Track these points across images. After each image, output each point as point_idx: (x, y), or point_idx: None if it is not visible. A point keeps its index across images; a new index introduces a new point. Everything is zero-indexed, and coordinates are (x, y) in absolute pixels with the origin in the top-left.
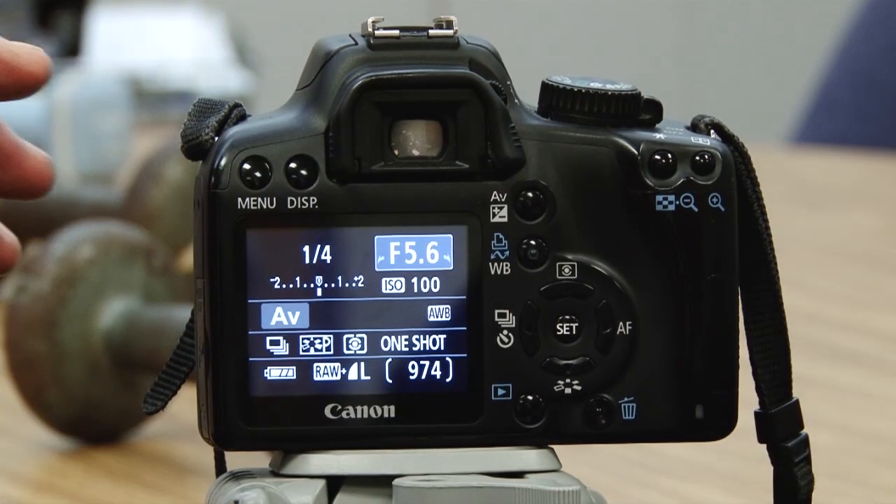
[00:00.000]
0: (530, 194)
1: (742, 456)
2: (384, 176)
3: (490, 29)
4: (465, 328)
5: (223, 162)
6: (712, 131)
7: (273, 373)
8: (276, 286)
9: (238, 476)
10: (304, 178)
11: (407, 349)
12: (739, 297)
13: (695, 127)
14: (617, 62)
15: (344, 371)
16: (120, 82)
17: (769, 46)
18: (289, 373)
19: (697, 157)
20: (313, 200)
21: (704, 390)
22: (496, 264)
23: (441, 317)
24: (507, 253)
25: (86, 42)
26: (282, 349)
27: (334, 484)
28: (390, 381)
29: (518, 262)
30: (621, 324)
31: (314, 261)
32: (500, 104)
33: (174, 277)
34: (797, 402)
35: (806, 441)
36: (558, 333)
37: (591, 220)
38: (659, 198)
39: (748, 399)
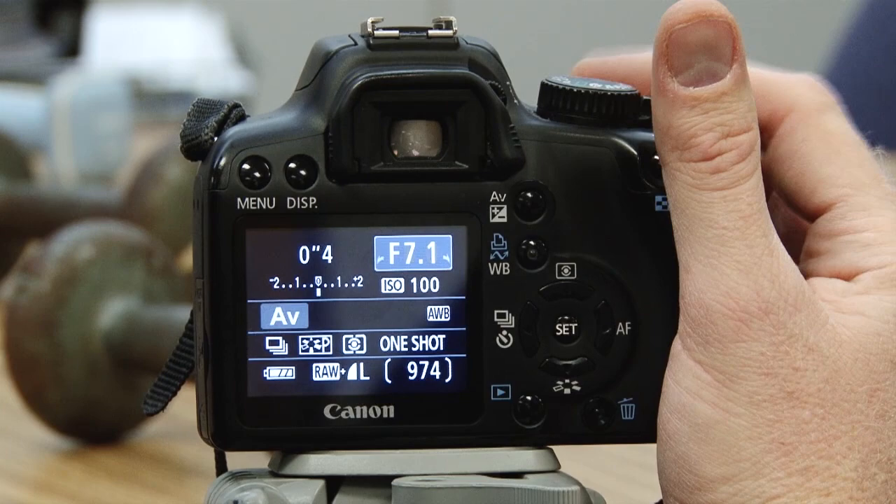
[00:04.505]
0: (530, 195)
1: None
2: (384, 176)
3: (490, 29)
4: (464, 328)
5: (222, 162)
6: None
7: (272, 373)
8: (276, 286)
9: (237, 476)
10: (304, 178)
11: (406, 349)
12: None
13: None
14: None
15: (343, 371)
16: (120, 82)
17: (769, 47)
18: (288, 373)
19: None
20: (313, 200)
21: None
22: (495, 265)
23: (440, 317)
24: (506, 253)
25: (86, 42)
26: (281, 349)
27: (333, 484)
28: (389, 382)
29: (517, 263)
30: (621, 324)
31: (313, 261)
32: (499, 104)
33: (174, 277)
34: None
35: None
36: (558, 334)
37: (590, 221)
38: (658, 198)
39: None
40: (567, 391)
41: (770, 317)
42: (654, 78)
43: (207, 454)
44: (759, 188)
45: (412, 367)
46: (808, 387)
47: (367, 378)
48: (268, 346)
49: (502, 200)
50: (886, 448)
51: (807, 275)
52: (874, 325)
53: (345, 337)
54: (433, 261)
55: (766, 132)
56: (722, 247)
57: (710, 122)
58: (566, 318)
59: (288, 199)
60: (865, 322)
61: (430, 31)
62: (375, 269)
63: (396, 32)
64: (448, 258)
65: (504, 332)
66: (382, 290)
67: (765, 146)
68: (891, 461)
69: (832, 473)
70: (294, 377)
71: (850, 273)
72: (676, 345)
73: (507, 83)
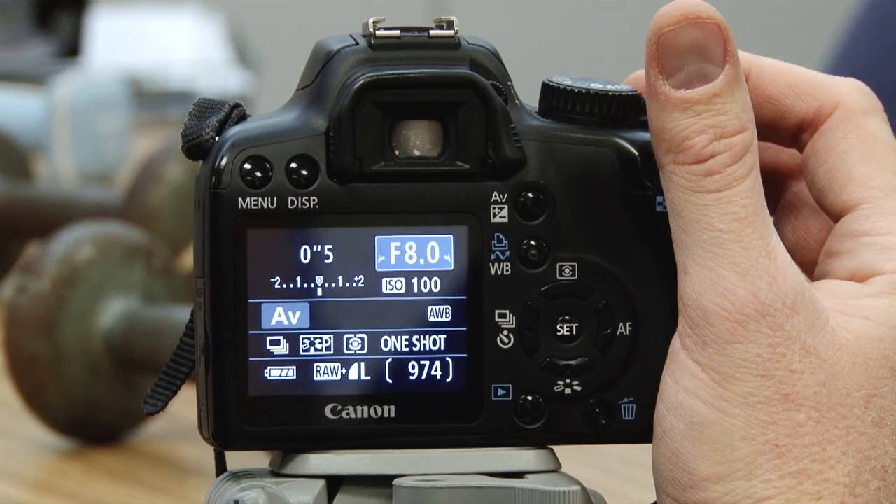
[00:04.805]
0: (531, 195)
1: None
2: (385, 176)
3: (490, 29)
4: (465, 328)
5: (224, 161)
6: None
7: (273, 373)
8: (277, 286)
9: (238, 476)
10: (305, 177)
11: (407, 349)
12: None
13: None
14: (617, 63)
15: (344, 371)
16: (120, 82)
17: (769, 47)
18: (289, 373)
19: None
20: (314, 200)
21: None
22: (496, 264)
23: (441, 317)
24: (507, 253)
25: (86, 42)
26: (282, 349)
27: (334, 484)
28: (390, 381)
29: (518, 263)
30: (621, 324)
31: (314, 261)
32: (500, 104)
33: (174, 277)
34: None
35: None
36: (558, 334)
37: (591, 221)
38: (659, 198)
39: None
40: (568, 391)
41: (767, 319)
42: (646, 81)
43: (207, 454)
44: (756, 189)
45: (413, 366)
46: (804, 389)
47: (368, 378)
48: (268, 346)
49: (503, 200)
50: (881, 455)
51: (823, 275)
52: (877, 330)
53: (345, 337)
54: (434, 260)
55: (811, 128)
56: (718, 249)
57: (702, 124)
58: (567, 318)
59: (289, 198)
60: (868, 326)
61: (432, 31)
62: (376, 268)
63: (398, 32)
64: (449, 258)
65: (505, 332)
66: (383, 290)
67: (806, 142)
68: (885, 468)
69: (825, 478)
70: (295, 377)
71: (865, 275)
72: (675, 343)
73: (508, 83)
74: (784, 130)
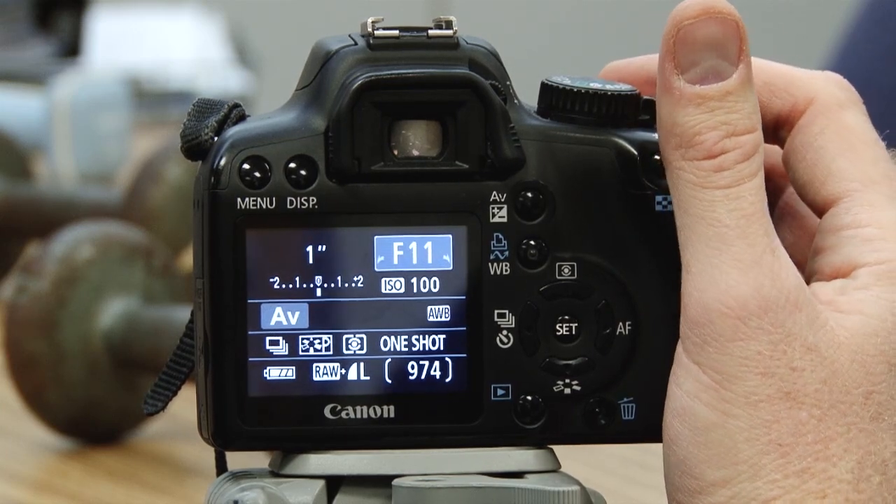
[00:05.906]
0: (530, 194)
1: None
2: (384, 176)
3: (490, 29)
4: (464, 328)
5: (223, 162)
6: None
7: (272, 373)
8: (276, 286)
9: (237, 476)
10: (304, 178)
11: (406, 349)
12: None
13: None
14: None
15: (343, 371)
16: (120, 82)
17: (769, 48)
18: (288, 373)
19: None
20: (313, 200)
21: None
22: (496, 264)
23: (441, 317)
24: (506, 253)
25: (86, 42)
26: (281, 349)
27: (334, 484)
28: (390, 382)
29: (518, 263)
30: (621, 324)
31: (314, 261)
32: (499, 104)
33: (174, 277)
34: None
35: None
36: (558, 334)
37: (590, 221)
38: (658, 198)
39: None
40: (567, 391)
41: (769, 315)
42: (659, 75)
43: (207, 454)
44: (762, 189)
45: (412, 366)
46: (805, 387)
47: (368, 378)
48: (268, 346)
49: (502, 200)
50: (881, 450)
51: (811, 272)
52: (872, 325)
53: (345, 337)
54: (433, 261)
55: (787, 124)
56: (723, 245)
57: (714, 120)
58: (566, 317)
59: (288, 198)
60: (863, 322)
61: (431, 31)
62: (375, 268)
63: (396, 32)
64: (448, 258)
65: (504, 332)
66: (383, 290)
67: (784, 139)
68: (885, 463)
69: (828, 475)
70: (294, 377)
71: (849, 268)
72: (678, 348)
73: (508, 83)
74: (763, 128)
